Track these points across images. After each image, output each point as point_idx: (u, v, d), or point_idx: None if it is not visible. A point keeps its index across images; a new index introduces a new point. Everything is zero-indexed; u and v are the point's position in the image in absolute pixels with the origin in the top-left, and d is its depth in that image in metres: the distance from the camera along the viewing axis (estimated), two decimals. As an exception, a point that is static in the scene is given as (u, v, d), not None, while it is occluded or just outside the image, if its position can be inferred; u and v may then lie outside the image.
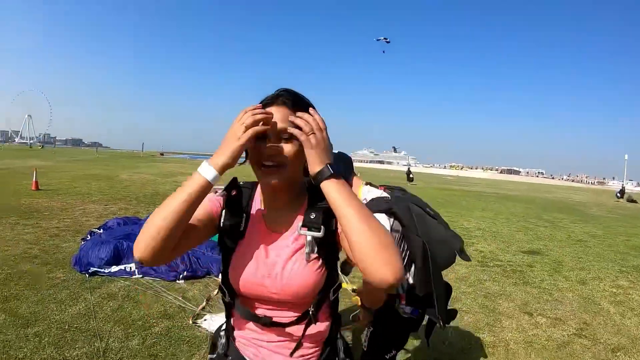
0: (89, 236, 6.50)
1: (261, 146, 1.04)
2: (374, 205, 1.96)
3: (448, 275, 2.02)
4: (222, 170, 1.01)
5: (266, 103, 1.07)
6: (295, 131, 0.99)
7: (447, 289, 2.24)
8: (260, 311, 1.15)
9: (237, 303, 1.18)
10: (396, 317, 2.18)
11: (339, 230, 1.11)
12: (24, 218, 8.28)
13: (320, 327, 1.18)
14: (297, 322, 1.14)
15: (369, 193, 2.15)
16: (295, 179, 1.13)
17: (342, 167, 2.19)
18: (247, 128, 0.98)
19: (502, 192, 31.44)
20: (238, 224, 1.15)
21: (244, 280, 1.12)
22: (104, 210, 9.95)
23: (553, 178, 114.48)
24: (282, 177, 1.06)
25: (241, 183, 1.22)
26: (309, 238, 1.09)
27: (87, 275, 4.95)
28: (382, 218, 1.92)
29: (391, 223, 1.96)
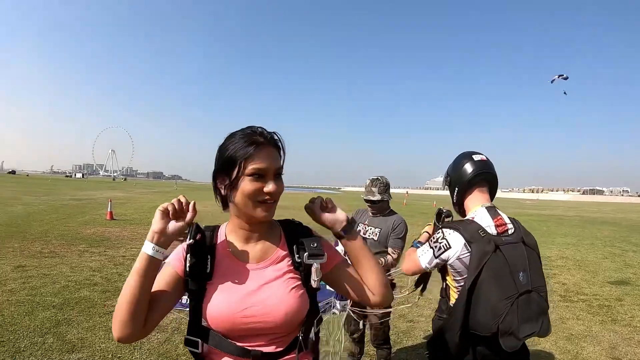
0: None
1: (260, 185, 1.12)
2: (466, 227, 1.80)
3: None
4: (158, 240, 1.09)
5: (260, 143, 1.13)
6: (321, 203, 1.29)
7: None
8: (249, 347, 1.13)
9: (220, 342, 1.14)
10: None
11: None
12: (93, 246, 8.67)
13: (308, 357, 1.22)
14: (287, 350, 1.15)
15: (476, 213, 1.89)
16: None
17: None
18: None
19: (585, 214, 29.12)
20: (204, 267, 1.15)
21: (225, 316, 1.11)
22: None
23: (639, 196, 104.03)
24: (273, 212, 1.18)
25: (202, 228, 1.26)
26: (316, 266, 1.16)
27: (141, 304, 4.92)
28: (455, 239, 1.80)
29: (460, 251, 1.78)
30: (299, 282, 1.18)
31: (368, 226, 3.38)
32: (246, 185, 1.11)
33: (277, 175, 1.15)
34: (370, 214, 3.43)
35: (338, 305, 3.04)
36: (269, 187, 1.11)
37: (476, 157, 1.98)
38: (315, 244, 1.18)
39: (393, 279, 3.17)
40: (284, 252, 1.21)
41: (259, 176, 1.11)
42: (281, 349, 1.14)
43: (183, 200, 1.10)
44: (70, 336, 3.94)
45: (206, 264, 1.15)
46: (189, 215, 1.10)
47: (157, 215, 1.08)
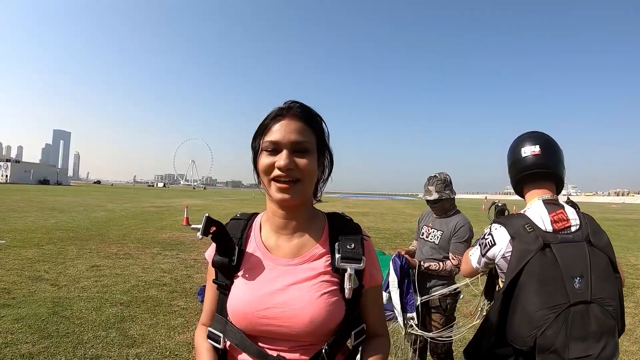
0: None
1: (273, 160, 0.99)
2: (512, 221, 1.59)
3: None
4: None
5: (276, 115, 1.03)
6: None
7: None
8: (269, 351, 1.00)
9: (240, 342, 1.02)
10: None
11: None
12: (166, 249, 9.01)
13: None
14: None
15: (531, 205, 1.65)
16: (308, 197, 1.09)
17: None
18: None
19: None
20: (230, 259, 1.05)
21: (242, 312, 1.00)
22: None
23: None
24: (296, 194, 1.00)
25: (238, 215, 1.19)
26: (350, 271, 0.99)
27: (205, 305, 4.98)
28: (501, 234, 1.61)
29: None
30: (335, 288, 1.01)
31: (431, 229, 3.12)
32: (261, 160, 1.03)
33: (297, 151, 1.00)
34: (434, 215, 3.16)
35: (400, 320, 2.79)
36: (279, 161, 0.98)
37: (532, 145, 1.70)
38: (353, 245, 1.02)
39: (458, 289, 2.89)
40: (323, 250, 1.05)
41: (273, 150, 1.01)
42: (306, 358, 0.99)
43: None
44: (133, 332, 4.00)
45: (232, 254, 1.05)
46: None
47: None
